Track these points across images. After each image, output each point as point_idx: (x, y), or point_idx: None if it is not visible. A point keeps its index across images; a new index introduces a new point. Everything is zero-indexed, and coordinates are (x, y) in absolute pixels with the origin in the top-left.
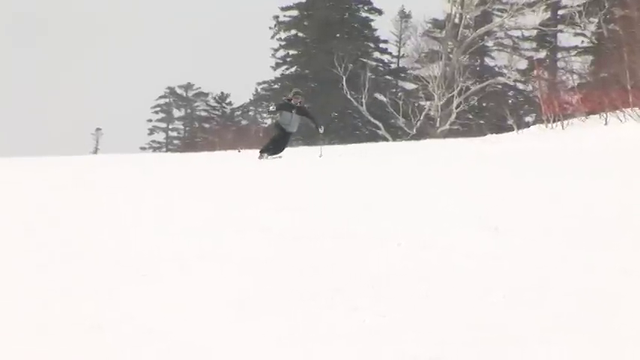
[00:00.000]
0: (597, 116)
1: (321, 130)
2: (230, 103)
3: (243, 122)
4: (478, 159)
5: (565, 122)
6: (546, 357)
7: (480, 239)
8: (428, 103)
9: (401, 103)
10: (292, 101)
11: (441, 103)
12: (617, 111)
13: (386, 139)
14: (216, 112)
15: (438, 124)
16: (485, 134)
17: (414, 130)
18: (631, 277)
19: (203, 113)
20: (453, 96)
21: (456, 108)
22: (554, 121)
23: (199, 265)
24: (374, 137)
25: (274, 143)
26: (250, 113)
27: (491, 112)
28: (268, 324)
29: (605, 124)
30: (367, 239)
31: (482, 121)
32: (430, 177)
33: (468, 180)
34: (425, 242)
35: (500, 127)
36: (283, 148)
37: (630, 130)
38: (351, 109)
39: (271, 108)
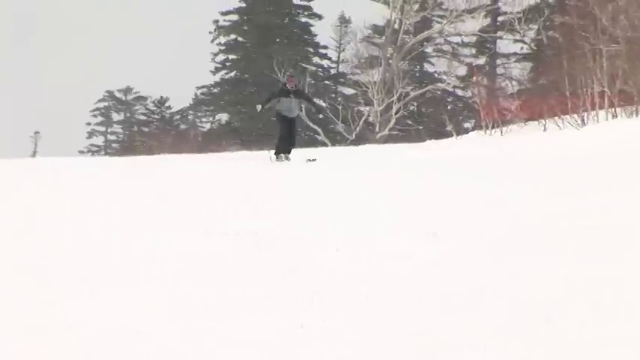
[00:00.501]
0: (536, 123)
1: (321, 115)
2: (169, 107)
3: (183, 126)
4: (417, 165)
5: (504, 129)
6: None
7: (417, 245)
8: (367, 108)
9: (340, 108)
10: (287, 85)
11: (381, 108)
12: (556, 118)
13: (325, 145)
14: (156, 116)
15: (377, 130)
16: (424, 140)
17: (353, 136)
18: (561, 283)
19: (142, 117)
20: (392, 102)
21: (396, 114)
22: (492, 128)
23: (138, 269)
24: (313, 142)
25: (283, 140)
26: (189, 117)
27: (431, 117)
28: (198, 329)
29: (544, 130)
30: (306, 244)
31: (421, 127)
32: (368, 182)
33: (407, 185)
34: (363, 247)
35: (439, 132)
36: (294, 141)
37: (569, 137)
38: None
39: (260, 102)
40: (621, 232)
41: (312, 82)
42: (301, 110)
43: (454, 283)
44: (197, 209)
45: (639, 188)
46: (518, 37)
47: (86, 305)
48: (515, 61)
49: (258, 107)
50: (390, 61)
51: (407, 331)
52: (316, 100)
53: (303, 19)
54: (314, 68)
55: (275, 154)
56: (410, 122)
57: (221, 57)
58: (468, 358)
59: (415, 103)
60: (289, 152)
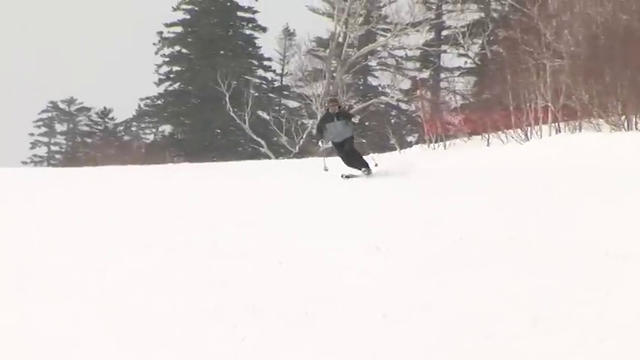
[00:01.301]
0: (479, 137)
1: (356, 120)
2: (113, 119)
3: (126, 138)
4: (359, 178)
5: (447, 143)
6: None
7: (360, 258)
8: (311, 121)
9: (284, 121)
10: (330, 110)
11: None
12: (500, 132)
13: (268, 157)
14: (99, 127)
15: (320, 143)
16: (367, 153)
17: (297, 149)
18: (513, 296)
19: (85, 128)
20: None
21: None
22: (436, 142)
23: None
24: (256, 155)
25: (345, 162)
26: (133, 129)
27: (374, 131)
28: (147, 340)
29: (488, 145)
30: (249, 257)
31: (364, 140)
32: (311, 195)
33: (350, 199)
34: (306, 261)
35: (382, 146)
36: (352, 162)
37: (512, 151)
38: (233, 126)
39: (314, 132)
40: (555, 246)
41: (256, 94)
42: (353, 130)
43: (399, 296)
44: (139, 221)
45: (580, 204)
46: (462, 51)
47: (19, 315)
48: (459, 75)
49: (321, 144)
50: (334, 74)
51: (350, 343)
52: (352, 113)
53: (248, 32)
54: (258, 81)
55: (343, 177)
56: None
57: (165, 68)
58: None
59: (359, 117)
60: (359, 168)
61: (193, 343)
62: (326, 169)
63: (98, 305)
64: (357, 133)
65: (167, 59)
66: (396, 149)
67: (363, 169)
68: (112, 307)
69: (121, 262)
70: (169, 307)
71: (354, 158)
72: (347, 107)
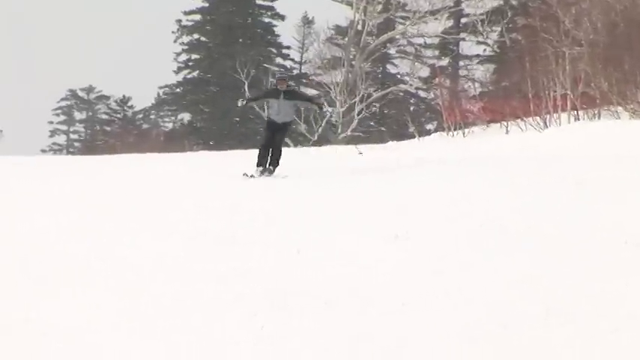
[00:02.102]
0: (498, 125)
1: (325, 108)
2: (132, 107)
3: (145, 126)
4: (378, 166)
5: (466, 130)
6: None
7: (379, 247)
8: (330, 109)
9: (302, 109)
10: (278, 87)
11: (343, 109)
12: (519, 120)
13: (287, 145)
14: (118, 116)
15: (339, 131)
16: (386, 141)
17: (316, 137)
18: (529, 285)
19: (104, 116)
20: (354, 103)
21: (358, 115)
22: (455, 129)
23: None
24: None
25: (263, 149)
26: (152, 117)
27: (393, 119)
28: (166, 327)
29: (507, 132)
30: (268, 246)
31: (383, 128)
32: (330, 184)
33: (367, 187)
34: (324, 250)
35: (401, 134)
36: (276, 154)
37: (530, 139)
38: (252, 115)
39: (246, 98)
40: (574, 235)
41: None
42: (296, 114)
43: (418, 285)
44: (161, 210)
45: (599, 193)
46: (481, 39)
47: (39, 304)
48: (477, 63)
49: (239, 102)
50: (353, 62)
51: (370, 333)
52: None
53: (266, 20)
54: (276, 69)
55: (257, 165)
56: (372, 123)
57: (184, 57)
58: None
59: (378, 105)
60: (269, 165)
61: (212, 330)
62: (360, 153)
63: (117, 293)
64: (375, 121)
65: (186, 47)
66: (415, 137)
67: (270, 167)
68: (132, 294)
69: (140, 250)
70: (189, 295)
71: (276, 153)
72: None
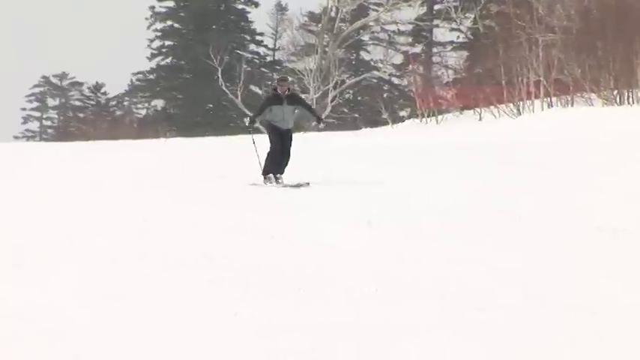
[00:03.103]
0: (472, 112)
1: (322, 125)
2: (105, 93)
3: (118, 113)
4: (352, 153)
5: (440, 117)
6: (418, 352)
7: (351, 233)
8: (303, 96)
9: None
10: (278, 90)
11: (317, 96)
12: (492, 107)
13: (260, 132)
14: (91, 102)
15: (254, 123)
16: (359, 128)
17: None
18: (505, 271)
19: (78, 103)
20: (328, 89)
21: (331, 101)
22: (428, 116)
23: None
24: (249, 129)
25: (275, 156)
26: (125, 104)
27: (366, 105)
28: (142, 313)
29: (480, 119)
30: (242, 232)
31: (357, 115)
32: (302, 171)
33: (339, 174)
34: (297, 236)
35: (375, 121)
36: (288, 158)
37: (504, 125)
38: (226, 101)
39: (250, 116)
40: (548, 220)
41: (248, 69)
42: (294, 118)
43: (390, 270)
44: (137, 196)
45: (572, 179)
46: (454, 25)
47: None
48: (451, 50)
49: (247, 122)
50: (327, 49)
51: (345, 318)
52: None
53: (240, 6)
54: (250, 55)
55: (263, 174)
56: (346, 110)
57: (157, 43)
58: (405, 348)
59: (351, 91)
60: (282, 172)
61: (185, 317)
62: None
63: (84, 282)
64: (349, 108)
65: (159, 34)
66: (388, 124)
67: (278, 175)
68: (103, 283)
69: (110, 237)
70: (162, 281)
71: (287, 160)
72: (298, 92)
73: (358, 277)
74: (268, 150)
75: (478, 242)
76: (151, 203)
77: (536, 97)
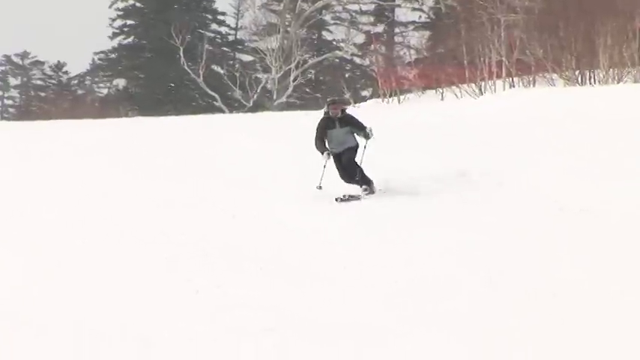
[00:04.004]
0: (434, 91)
1: (369, 137)
2: (67, 73)
3: (80, 92)
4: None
5: (402, 97)
6: (377, 335)
7: (314, 213)
8: (265, 75)
9: (238, 75)
10: (330, 114)
11: (279, 75)
12: (454, 87)
13: (222, 111)
14: (53, 81)
15: (275, 97)
16: (322, 108)
17: (251, 103)
18: (469, 252)
19: (39, 82)
20: (290, 69)
21: (293, 81)
22: (390, 96)
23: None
24: (211, 109)
25: (345, 176)
26: (87, 83)
27: (329, 85)
28: (101, 293)
29: (442, 99)
30: (204, 210)
31: (319, 95)
32: (263, 151)
33: (302, 155)
34: (257, 215)
35: None
36: (353, 175)
37: (466, 105)
38: (188, 81)
39: (318, 147)
40: (511, 202)
41: (210, 48)
42: (352, 136)
43: (351, 252)
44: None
45: (534, 159)
46: (416, 5)
47: None
48: (413, 30)
49: (324, 159)
50: (289, 29)
51: (303, 294)
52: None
53: None
54: (212, 35)
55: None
56: (308, 90)
57: (119, 22)
58: (363, 329)
59: (313, 71)
60: (361, 186)
61: (148, 296)
62: (319, 187)
63: (32, 259)
64: (311, 88)
65: (121, 13)
66: (350, 104)
67: (364, 187)
68: (56, 263)
69: (66, 213)
70: (122, 259)
71: (352, 172)
72: (349, 112)
73: (317, 255)
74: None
75: (440, 225)
76: (109, 178)
77: (498, 77)
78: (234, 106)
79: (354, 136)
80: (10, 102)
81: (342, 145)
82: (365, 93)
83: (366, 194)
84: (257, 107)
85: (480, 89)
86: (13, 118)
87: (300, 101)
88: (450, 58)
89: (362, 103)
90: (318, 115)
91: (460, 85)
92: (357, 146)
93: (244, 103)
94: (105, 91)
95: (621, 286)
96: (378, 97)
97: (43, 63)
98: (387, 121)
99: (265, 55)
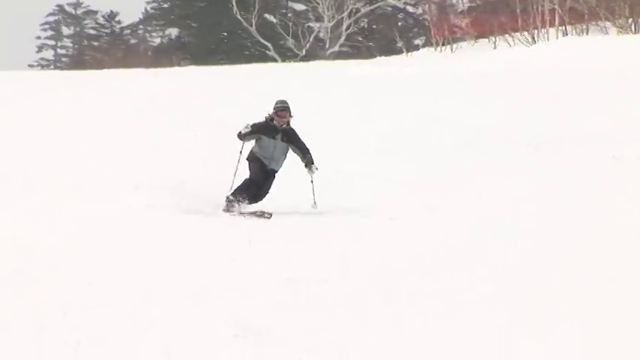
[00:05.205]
0: (486, 40)
1: (315, 172)
2: (119, 22)
3: (133, 41)
4: (367, 81)
5: (454, 46)
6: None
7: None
8: (317, 24)
9: (290, 24)
10: (274, 121)
11: (331, 24)
12: (506, 35)
13: (275, 60)
14: (105, 31)
15: (327, 46)
16: (374, 57)
17: (304, 52)
18: (513, 202)
19: (92, 32)
20: (342, 18)
21: (346, 30)
22: (443, 45)
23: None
24: (263, 58)
25: (251, 186)
26: (139, 32)
27: (381, 34)
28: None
29: (494, 48)
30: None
31: (371, 44)
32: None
33: (354, 101)
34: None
35: (389, 49)
36: (264, 194)
37: (518, 54)
38: (240, 30)
39: (244, 129)
40: (573, 151)
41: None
42: (285, 158)
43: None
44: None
45: (589, 110)
46: None
47: None
48: None
49: (240, 139)
50: None
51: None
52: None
53: None
54: None
55: (230, 198)
56: (360, 39)
57: None
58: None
59: (366, 20)
60: (249, 203)
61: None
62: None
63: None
64: (363, 37)
65: None
66: (403, 52)
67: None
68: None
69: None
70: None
71: (264, 194)
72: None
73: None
74: (248, 177)
75: (491, 173)
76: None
77: (551, 25)
78: (287, 55)
79: (285, 158)
80: (63, 51)
81: (275, 163)
82: (418, 42)
83: (266, 217)
84: (309, 56)
85: (533, 37)
86: (66, 68)
87: (353, 50)
88: (503, 6)
89: (415, 52)
90: (367, 66)
91: (513, 33)
92: (276, 172)
93: (297, 52)
94: (157, 40)
95: None
96: (431, 45)
97: (95, 12)
98: (439, 70)
99: (318, 3)
